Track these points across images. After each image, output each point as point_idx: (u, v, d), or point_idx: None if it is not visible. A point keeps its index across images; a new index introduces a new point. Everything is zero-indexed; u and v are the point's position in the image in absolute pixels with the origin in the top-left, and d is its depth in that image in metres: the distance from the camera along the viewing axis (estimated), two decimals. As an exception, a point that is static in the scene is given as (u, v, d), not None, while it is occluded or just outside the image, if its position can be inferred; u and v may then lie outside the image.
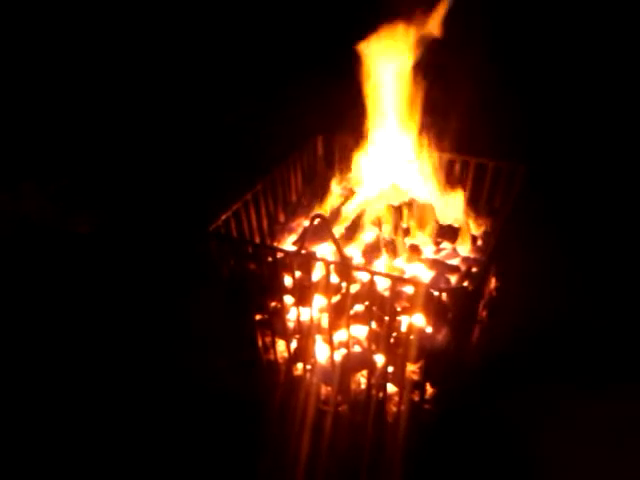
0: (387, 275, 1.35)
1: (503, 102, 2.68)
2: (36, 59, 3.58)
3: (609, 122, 3.01)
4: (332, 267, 1.38)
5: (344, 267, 1.38)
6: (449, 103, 1.78)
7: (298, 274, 1.54)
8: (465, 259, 1.59)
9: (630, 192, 2.67)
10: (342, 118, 1.85)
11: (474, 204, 1.87)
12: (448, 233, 1.61)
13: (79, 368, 1.91)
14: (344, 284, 1.40)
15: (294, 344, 1.65)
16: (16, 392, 1.85)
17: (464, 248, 1.65)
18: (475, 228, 1.71)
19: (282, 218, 1.90)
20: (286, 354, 1.69)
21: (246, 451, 1.64)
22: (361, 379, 1.65)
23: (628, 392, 1.67)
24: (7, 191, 3.26)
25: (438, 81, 1.67)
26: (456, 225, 1.63)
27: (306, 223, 1.77)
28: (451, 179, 1.82)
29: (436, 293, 1.33)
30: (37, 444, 1.67)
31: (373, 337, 1.48)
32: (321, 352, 1.63)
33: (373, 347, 1.50)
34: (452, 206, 1.72)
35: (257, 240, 1.79)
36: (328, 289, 1.44)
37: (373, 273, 1.35)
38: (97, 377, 1.87)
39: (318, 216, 1.37)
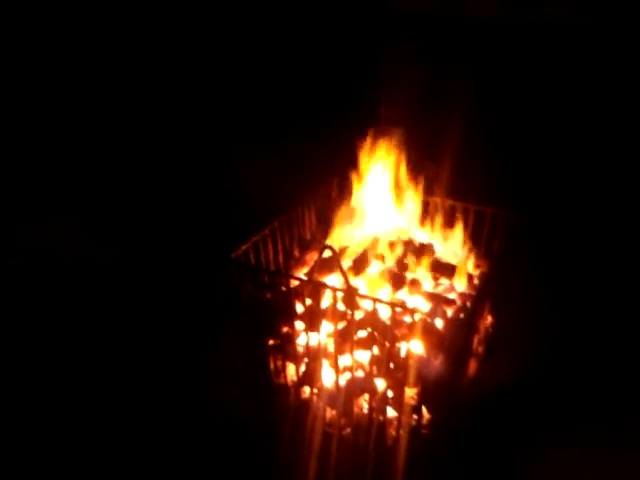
0: (388, 303, 1.50)
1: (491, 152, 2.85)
2: (75, 104, 3.86)
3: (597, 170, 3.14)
4: (339, 295, 1.54)
5: (350, 295, 1.54)
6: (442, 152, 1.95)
7: (308, 301, 1.70)
8: (461, 294, 1.74)
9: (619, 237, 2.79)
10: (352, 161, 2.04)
11: (474, 247, 2.03)
12: (446, 270, 1.76)
13: (99, 394, 2.03)
14: (349, 311, 1.55)
15: (303, 368, 1.79)
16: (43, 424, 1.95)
17: (461, 285, 1.79)
18: (473, 268, 1.86)
19: (297, 253, 2.07)
20: (295, 378, 1.82)
21: (256, 473, 1.75)
22: (364, 403, 1.77)
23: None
24: (35, 226, 3.47)
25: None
26: (453, 263, 1.78)
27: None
28: (452, 223, 1.99)
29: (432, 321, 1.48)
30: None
31: (375, 362, 1.62)
32: (327, 376, 1.76)
33: (375, 371, 1.63)
34: (452, 247, 1.88)
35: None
36: (335, 316, 1.60)
37: (375, 301, 1.50)
38: (116, 403, 1.99)
39: (327, 247, 1.53)
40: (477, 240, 2.04)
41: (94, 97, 3.88)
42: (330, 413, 1.81)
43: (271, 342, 1.83)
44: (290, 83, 3.59)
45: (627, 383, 2.00)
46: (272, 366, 1.84)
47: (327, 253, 1.58)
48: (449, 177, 2.03)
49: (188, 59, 3.79)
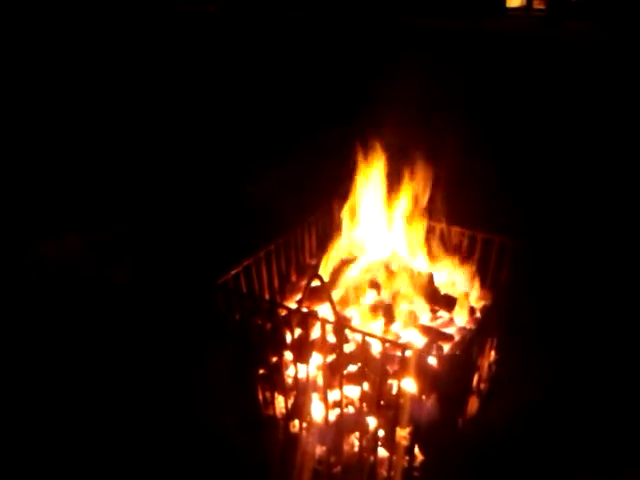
0: (378, 337, 1.41)
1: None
2: (84, 118, 3.90)
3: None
4: (329, 326, 1.46)
5: (338, 326, 1.45)
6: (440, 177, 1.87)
7: (299, 331, 1.62)
8: (461, 329, 1.63)
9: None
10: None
11: (479, 278, 1.93)
12: (445, 302, 1.66)
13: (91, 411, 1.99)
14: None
15: (292, 400, 1.70)
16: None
17: (462, 319, 1.69)
18: (475, 300, 1.76)
19: (294, 278, 1.99)
20: (284, 410, 1.74)
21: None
22: (355, 441, 1.67)
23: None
24: (53, 240, 3.50)
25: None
26: (453, 295, 1.68)
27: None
28: (457, 251, 1.89)
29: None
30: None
31: (365, 398, 1.53)
32: (317, 410, 1.67)
33: (365, 408, 1.54)
34: (455, 277, 1.78)
35: (267, 297, 1.89)
36: (324, 347, 1.51)
37: (365, 334, 1.42)
38: (110, 422, 1.95)
39: (316, 277, 1.46)
40: (483, 270, 1.94)
41: (103, 110, 3.92)
42: (320, 449, 1.72)
43: (261, 371, 1.75)
44: (295, 96, 3.58)
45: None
46: (261, 397, 1.76)
47: (316, 282, 1.50)
48: (453, 202, 1.94)
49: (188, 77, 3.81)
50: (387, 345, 1.41)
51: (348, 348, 1.57)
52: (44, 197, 3.87)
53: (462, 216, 2.00)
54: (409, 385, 1.49)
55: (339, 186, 1.90)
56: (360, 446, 1.59)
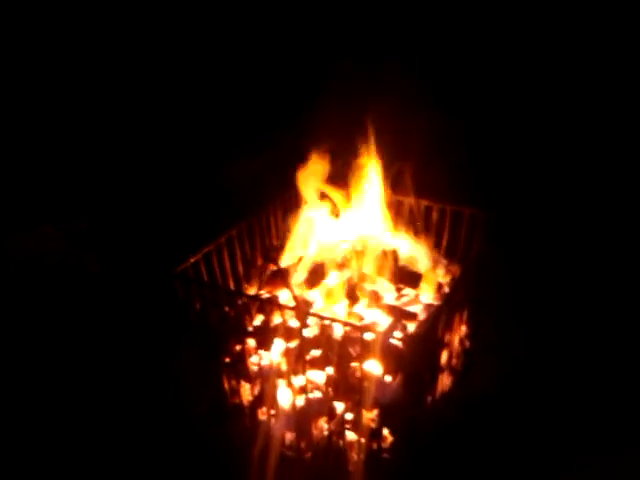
0: (337, 321, 1.36)
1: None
2: (60, 108, 3.81)
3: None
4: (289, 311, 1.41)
5: (296, 312, 1.40)
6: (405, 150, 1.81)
7: (261, 318, 1.58)
8: (428, 306, 1.59)
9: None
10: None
11: (450, 251, 1.88)
12: (410, 279, 1.61)
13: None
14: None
15: (258, 388, 1.66)
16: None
17: (429, 295, 1.64)
18: (442, 275, 1.71)
19: (260, 262, 1.94)
20: (251, 398, 1.70)
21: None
22: (324, 425, 1.64)
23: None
24: (27, 231, 3.44)
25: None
26: (418, 271, 1.63)
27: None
28: (424, 226, 1.84)
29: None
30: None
31: (330, 383, 1.49)
32: (283, 397, 1.63)
33: (331, 393, 1.50)
34: (422, 252, 1.73)
35: (232, 283, 1.84)
36: (285, 333, 1.47)
37: (323, 318, 1.37)
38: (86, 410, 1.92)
39: (271, 262, 1.40)
40: (453, 244, 1.90)
41: (76, 97, 3.82)
42: (289, 435, 1.69)
43: (227, 360, 1.71)
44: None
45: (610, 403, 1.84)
46: (227, 386, 1.72)
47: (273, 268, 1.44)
48: (421, 176, 1.88)
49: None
50: (347, 328, 1.37)
51: (311, 332, 1.52)
52: (19, 189, 3.79)
53: (431, 189, 1.95)
54: (374, 367, 1.45)
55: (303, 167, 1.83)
56: (329, 430, 1.56)
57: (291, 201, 1.96)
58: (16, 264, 3.11)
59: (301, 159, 1.73)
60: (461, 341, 1.77)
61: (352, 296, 1.55)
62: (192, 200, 3.51)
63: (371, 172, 1.72)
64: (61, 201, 3.70)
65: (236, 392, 1.71)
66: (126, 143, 3.90)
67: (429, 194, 1.88)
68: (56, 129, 3.92)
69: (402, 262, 1.66)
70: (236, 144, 3.56)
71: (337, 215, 1.76)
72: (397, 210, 1.83)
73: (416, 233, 1.76)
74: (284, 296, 1.62)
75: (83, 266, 3.06)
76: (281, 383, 1.61)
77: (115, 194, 3.71)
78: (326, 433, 1.59)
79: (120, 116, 3.88)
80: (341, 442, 1.57)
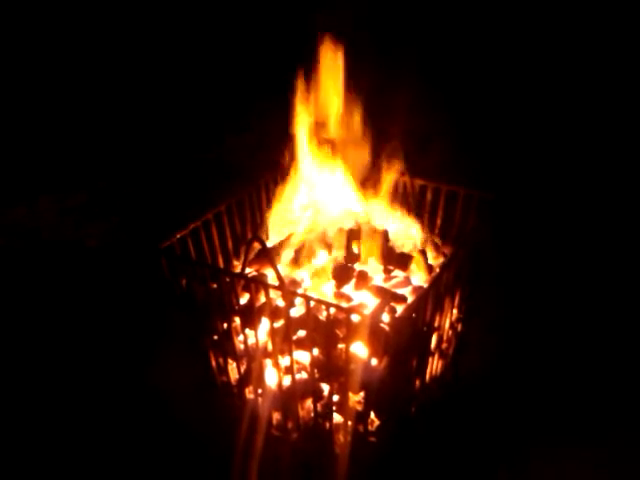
0: (322, 302, 1.32)
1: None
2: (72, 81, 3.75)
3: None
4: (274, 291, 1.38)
5: (280, 291, 1.37)
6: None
7: (247, 296, 1.55)
8: (417, 288, 1.55)
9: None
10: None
11: (443, 232, 1.84)
12: (399, 261, 1.57)
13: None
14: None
15: (245, 367, 1.64)
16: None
17: (419, 277, 1.60)
18: (435, 257, 1.67)
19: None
20: (238, 376, 1.68)
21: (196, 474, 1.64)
22: (311, 406, 1.62)
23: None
24: (24, 204, 3.41)
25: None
26: (409, 253, 1.59)
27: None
28: (418, 205, 1.79)
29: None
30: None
31: (316, 364, 1.46)
32: (270, 377, 1.61)
33: (317, 374, 1.47)
34: (414, 233, 1.69)
35: (221, 260, 1.81)
36: (270, 313, 1.43)
37: (308, 298, 1.33)
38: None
39: (255, 240, 1.36)
40: (447, 225, 1.85)
41: (78, 71, 3.77)
42: (277, 415, 1.67)
43: (215, 337, 1.68)
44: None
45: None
46: (214, 363, 1.70)
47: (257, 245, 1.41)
48: (416, 155, 1.83)
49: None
50: (332, 310, 1.34)
51: (297, 312, 1.49)
52: (15, 160, 3.76)
53: (426, 169, 1.90)
54: (360, 349, 1.42)
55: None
56: (315, 412, 1.54)
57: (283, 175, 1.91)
58: (12, 238, 3.09)
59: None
60: (452, 324, 1.74)
61: (340, 277, 1.52)
62: (190, 174, 3.47)
63: (362, 150, 1.67)
64: (58, 172, 3.67)
65: (223, 370, 1.69)
66: (127, 117, 3.86)
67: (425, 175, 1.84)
68: (53, 98, 3.87)
69: (392, 243, 1.61)
70: (234, 117, 3.52)
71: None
72: (390, 189, 1.78)
73: (409, 213, 1.71)
74: (272, 274, 1.58)
75: (79, 240, 3.05)
76: (268, 362, 1.59)
77: (114, 166, 3.68)
78: (313, 415, 1.57)
79: (119, 86, 3.82)
80: (327, 424, 1.55)
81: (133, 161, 3.68)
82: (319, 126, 1.63)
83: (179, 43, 3.64)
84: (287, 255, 1.60)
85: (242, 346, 1.60)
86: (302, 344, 1.48)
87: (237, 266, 1.77)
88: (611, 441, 1.61)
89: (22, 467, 1.67)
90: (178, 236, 1.60)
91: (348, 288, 1.53)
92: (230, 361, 1.67)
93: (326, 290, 1.54)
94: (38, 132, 3.83)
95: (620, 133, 2.89)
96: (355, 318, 1.28)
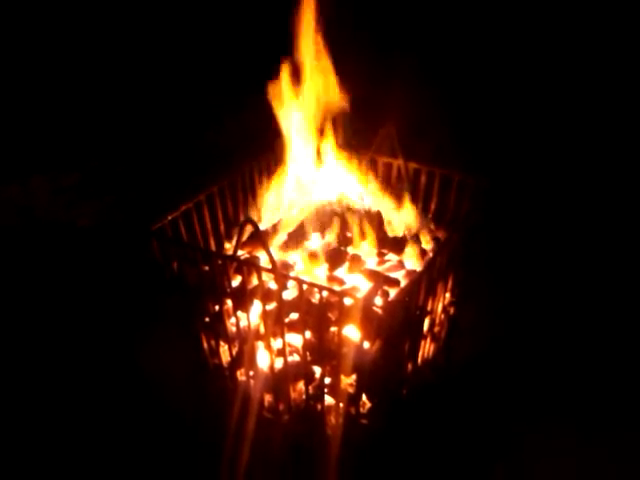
0: (314, 285, 1.32)
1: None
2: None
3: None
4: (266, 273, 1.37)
5: (273, 274, 1.36)
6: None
7: (239, 279, 1.53)
8: (411, 272, 1.54)
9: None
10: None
11: (436, 217, 1.83)
12: (393, 244, 1.56)
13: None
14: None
15: (237, 349, 1.64)
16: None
17: (412, 261, 1.60)
18: (428, 241, 1.66)
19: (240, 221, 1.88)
20: (230, 358, 1.68)
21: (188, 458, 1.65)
22: (302, 389, 1.62)
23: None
24: (17, 183, 3.37)
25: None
26: (403, 236, 1.58)
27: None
28: (412, 188, 1.78)
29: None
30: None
31: (308, 347, 1.45)
32: (262, 359, 1.61)
33: (309, 357, 1.47)
34: (406, 217, 1.68)
35: (212, 242, 1.79)
36: (263, 295, 1.43)
37: (300, 282, 1.33)
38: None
39: (248, 222, 1.35)
40: (442, 209, 1.84)
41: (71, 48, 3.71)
42: (269, 397, 1.67)
43: (206, 319, 1.67)
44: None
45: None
46: (206, 345, 1.70)
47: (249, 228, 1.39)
48: (411, 138, 1.81)
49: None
50: (325, 293, 1.33)
51: (290, 295, 1.48)
52: (9, 139, 3.71)
53: (421, 152, 1.88)
54: (352, 332, 1.42)
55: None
56: (307, 394, 1.54)
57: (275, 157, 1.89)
58: (4, 216, 3.07)
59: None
60: (445, 308, 1.73)
61: (333, 260, 1.51)
62: (186, 156, 3.44)
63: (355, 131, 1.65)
64: (52, 152, 3.63)
65: (215, 353, 1.69)
66: (120, 97, 3.80)
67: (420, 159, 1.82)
68: (46, 77, 3.81)
69: (387, 226, 1.60)
70: (231, 96, 3.47)
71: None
72: (384, 172, 1.77)
73: (402, 196, 1.69)
74: (264, 257, 1.57)
75: (72, 220, 3.02)
76: (260, 345, 1.59)
77: (108, 146, 3.64)
78: (304, 397, 1.57)
79: (115, 69, 3.77)
80: (319, 406, 1.55)
81: (127, 142, 3.63)
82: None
83: (173, 22, 3.58)
84: (280, 238, 1.58)
85: (234, 328, 1.59)
86: (294, 327, 1.47)
87: (229, 249, 1.76)
88: (607, 432, 1.62)
89: (10, 446, 1.67)
90: (169, 218, 1.59)
91: (341, 271, 1.53)
92: (222, 343, 1.67)
93: (319, 273, 1.53)
94: (31, 112, 3.78)
95: (615, 121, 2.88)
96: (348, 301, 1.27)
